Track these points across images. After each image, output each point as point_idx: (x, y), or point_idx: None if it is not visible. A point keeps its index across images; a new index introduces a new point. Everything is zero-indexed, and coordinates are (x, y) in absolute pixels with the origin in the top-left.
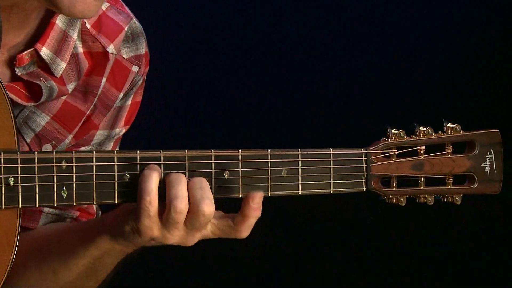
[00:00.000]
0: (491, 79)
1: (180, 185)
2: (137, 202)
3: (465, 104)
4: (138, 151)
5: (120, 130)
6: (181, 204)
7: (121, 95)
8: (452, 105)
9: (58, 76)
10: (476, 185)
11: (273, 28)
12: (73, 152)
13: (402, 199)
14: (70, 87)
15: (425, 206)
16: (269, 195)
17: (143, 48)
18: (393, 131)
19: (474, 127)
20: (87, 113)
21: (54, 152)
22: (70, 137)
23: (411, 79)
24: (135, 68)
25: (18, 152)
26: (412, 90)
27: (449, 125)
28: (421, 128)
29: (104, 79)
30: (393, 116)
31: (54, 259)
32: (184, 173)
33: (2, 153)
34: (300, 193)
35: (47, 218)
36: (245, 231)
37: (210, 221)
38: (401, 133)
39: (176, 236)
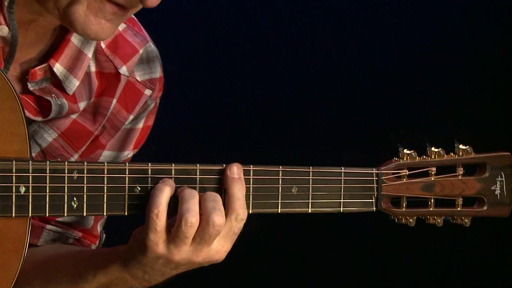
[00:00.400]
0: (506, 98)
1: (193, 200)
2: (146, 215)
3: (477, 124)
4: (149, 164)
5: (129, 153)
6: (193, 218)
7: (131, 117)
8: (464, 124)
9: (70, 94)
10: (485, 207)
11: (288, 42)
12: (85, 162)
13: (411, 220)
14: (82, 105)
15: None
16: (279, 211)
17: (158, 73)
18: (405, 151)
19: (486, 146)
20: (95, 134)
21: (66, 162)
22: (76, 156)
23: (424, 96)
24: (148, 92)
25: (30, 161)
26: (424, 108)
27: (461, 146)
28: (433, 149)
29: (114, 100)
30: (405, 131)
31: (61, 280)
32: (195, 187)
33: (14, 161)
34: (310, 211)
35: (49, 236)
36: (240, 208)
37: (219, 234)
38: (413, 154)
39: (183, 253)
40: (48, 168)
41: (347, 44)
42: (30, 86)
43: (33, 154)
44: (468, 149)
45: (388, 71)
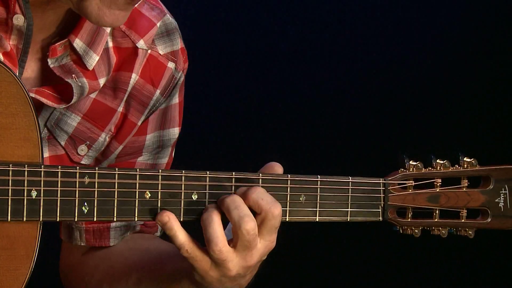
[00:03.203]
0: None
1: (216, 221)
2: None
3: (482, 135)
4: (160, 170)
5: (175, 130)
6: (222, 243)
7: (158, 92)
8: (470, 135)
9: (90, 69)
10: (489, 220)
11: (301, 51)
12: (96, 168)
13: (416, 231)
14: (101, 81)
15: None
16: (287, 220)
17: (179, 44)
18: (411, 162)
19: (491, 157)
20: (120, 111)
21: (78, 167)
22: (104, 135)
23: (430, 108)
24: (171, 65)
25: (42, 166)
26: (430, 120)
27: (466, 159)
28: (439, 161)
29: (134, 75)
30: (411, 142)
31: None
32: (205, 194)
33: (26, 165)
34: (317, 220)
35: (117, 232)
36: (268, 206)
37: (257, 236)
38: (419, 165)
39: (235, 265)
40: (60, 172)
41: (359, 53)
42: (51, 63)
43: (62, 143)
44: (473, 161)
45: (398, 82)
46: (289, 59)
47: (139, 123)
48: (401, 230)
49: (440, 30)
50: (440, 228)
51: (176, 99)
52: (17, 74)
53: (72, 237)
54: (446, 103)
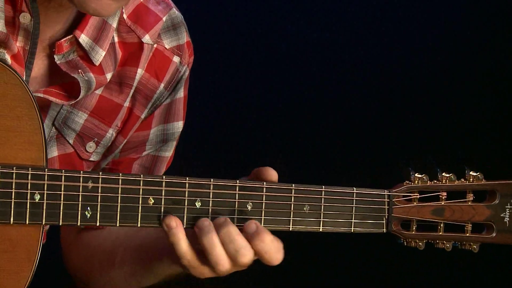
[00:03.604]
0: None
1: (214, 242)
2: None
3: (489, 147)
4: (164, 176)
5: (179, 124)
6: (224, 262)
7: (162, 85)
8: (475, 148)
9: (97, 65)
10: (494, 234)
11: (303, 55)
12: (100, 172)
13: (420, 243)
14: (108, 76)
15: None
16: (291, 229)
17: (184, 38)
18: (417, 175)
19: (497, 171)
20: (127, 106)
21: (82, 172)
22: (111, 131)
23: (437, 118)
24: (176, 59)
25: (46, 169)
26: (437, 130)
27: (472, 173)
28: (444, 174)
29: (140, 70)
30: (416, 153)
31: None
32: (208, 201)
33: (30, 169)
34: (320, 230)
35: None
36: (269, 251)
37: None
38: (424, 178)
39: (226, 271)
40: (63, 176)
41: (363, 60)
42: (57, 59)
43: (71, 141)
44: (479, 175)
45: (403, 91)
46: (292, 60)
47: (143, 116)
48: (405, 242)
49: (445, 30)
50: (445, 242)
51: (181, 93)
52: (24, 75)
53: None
54: (453, 113)
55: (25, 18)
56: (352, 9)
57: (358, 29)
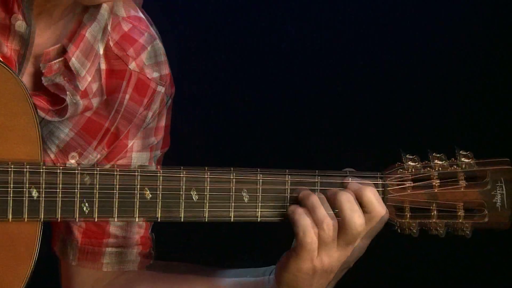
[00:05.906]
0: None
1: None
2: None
3: (480, 132)
4: (160, 169)
5: (154, 140)
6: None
7: (150, 114)
8: (466, 127)
9: (82, 89)
10: (486, 219)
11: (292, 45)
12: (97, 167)
13: (415, 230)
14: (94, 101)
15: None
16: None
17: (166, 69)
18: (408, 156)
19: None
20: (112, 131)
21: (78, 167)
22: (95, 154)
23: (426, 97)
24: (160, 88)
25: (43, 165)
26: (426, 108)
27: (463, 159)
28: (435, 154)
29: (127, 96)
30: (409, 139)
31: None
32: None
33: (27, 165)
34: None
35: (112, 258)
36: (378, 209)
37: (361, 234)
38: (417, 165)
39: (333, 257)
40: (60, 172)
41: (351, 44)
42: (45, 81)
43: (51, 155)
44: (469, 154)
45: (391, 72)
46: (286, 57)
47: (130, 144)
48: (399, 230)
49: (439, 28)
50: (438, 228)
51: (162, 123)
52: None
53: (65, 252)
54: (444, 101)
55: (20, 26)
56: (352, 9)
57: (358, 29)
